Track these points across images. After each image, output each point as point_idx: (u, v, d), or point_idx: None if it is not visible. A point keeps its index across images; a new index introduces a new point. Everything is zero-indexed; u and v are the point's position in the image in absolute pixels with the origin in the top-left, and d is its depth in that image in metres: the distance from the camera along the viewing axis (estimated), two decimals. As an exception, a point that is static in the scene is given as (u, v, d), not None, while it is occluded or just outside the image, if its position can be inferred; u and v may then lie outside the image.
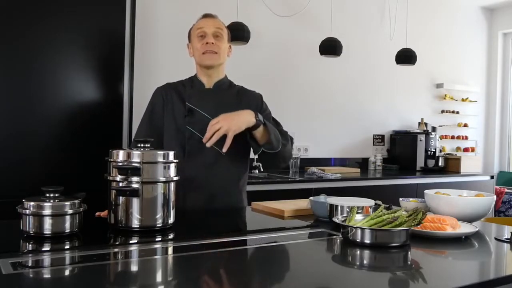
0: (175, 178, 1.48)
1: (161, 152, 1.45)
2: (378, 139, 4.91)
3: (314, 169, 3.85)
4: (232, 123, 1.72)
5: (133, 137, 2.10)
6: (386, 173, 4.31)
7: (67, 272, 1.11)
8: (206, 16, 2.00)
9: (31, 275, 1.08)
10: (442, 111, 5.38)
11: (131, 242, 1.34)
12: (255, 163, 3.94)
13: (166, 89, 2.00)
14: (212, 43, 1.92)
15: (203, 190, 1.89)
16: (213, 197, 1.90)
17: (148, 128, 1.96)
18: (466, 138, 5.59)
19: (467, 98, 5.58)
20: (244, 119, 1.76)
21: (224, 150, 1.72)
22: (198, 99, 1.95)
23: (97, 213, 1.66)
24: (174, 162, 1.48)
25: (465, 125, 5.57)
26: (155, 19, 3.63)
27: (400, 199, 1.87)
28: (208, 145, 1.72)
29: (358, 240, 1.32)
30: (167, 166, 1.45)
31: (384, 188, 3.93)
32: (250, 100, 2.01)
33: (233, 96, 2.00)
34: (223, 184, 1.93)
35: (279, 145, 1.88)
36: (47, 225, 1.30)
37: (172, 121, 1.94)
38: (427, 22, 5.17)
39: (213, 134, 1.70)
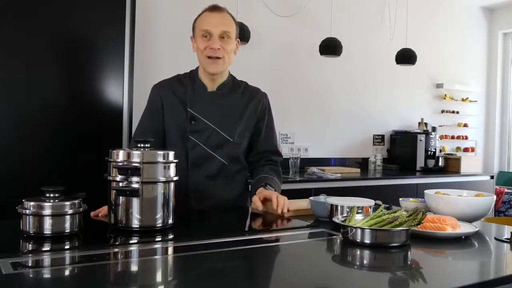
0: (175, 178, 1.48)
1: (161, 152, 1.45)
2: (378, 139, 4.91)
3: (314, 169, 3.84)
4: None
5: (133, 135, 2.04)
6: (386, 173, 4.30)
7: (67, 272, 1.11)
8: (213, 9, 1.81)
9: (31, 275, 1.08)
10: (442, 111, 5.38)
11: (131, 242, 1.34)
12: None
13: (164, 88, 1.89)
14: (218, 48, 1.77)
15: (204, 201, 1.87)
16: (215, 207, 1.88)
17: (149, 127, 1.89)
18: (466, 138, 5.59)
19: (467, 98, 5.58)
20: None
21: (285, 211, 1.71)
22: (201, 105, 1.84)
23: (92, 213, 1.61)
24: (174, 162, 1.48)
25: (465, 125, 5.57)
26: (155, 18, 3.63)
27: (400, 199, 1.87)
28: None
29: (358, 240, 1.32)
30: (167, 166, 1.45)
31: (384, 188, 3.93)
32: (257, 101, 1.95)
33: (239, 98, 1.90)
34: (225, 194, 1.91)
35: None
36: (47, 225, 1.30)
37: (174, 125, 1.86)
38: (427, 22, 5.16)
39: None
